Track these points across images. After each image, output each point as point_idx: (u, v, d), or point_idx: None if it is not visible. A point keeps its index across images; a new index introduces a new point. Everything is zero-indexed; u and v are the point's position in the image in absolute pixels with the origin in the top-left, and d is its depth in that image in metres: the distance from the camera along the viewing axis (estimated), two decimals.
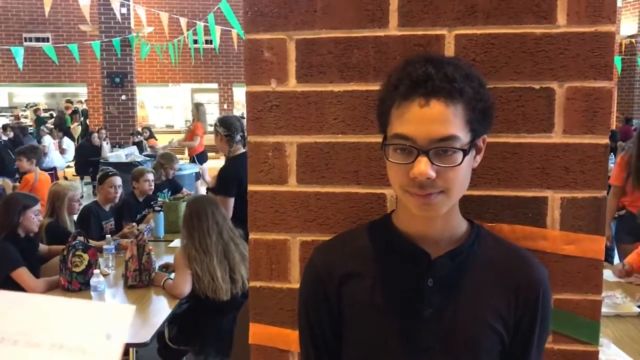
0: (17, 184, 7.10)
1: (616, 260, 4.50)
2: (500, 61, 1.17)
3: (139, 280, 3.52)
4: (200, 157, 9.26)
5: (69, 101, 16.80)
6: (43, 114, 16.73)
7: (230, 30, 10.51)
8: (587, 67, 1.15)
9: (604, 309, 2.07)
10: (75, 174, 11.53)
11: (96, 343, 0.65)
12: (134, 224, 4.80)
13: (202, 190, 8.38)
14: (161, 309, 3.26)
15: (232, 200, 3.98)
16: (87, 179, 11.27)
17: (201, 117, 9.36)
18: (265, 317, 1.30)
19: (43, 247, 4.10)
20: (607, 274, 3.38)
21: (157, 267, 3.73)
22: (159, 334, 3.27)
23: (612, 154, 7.63)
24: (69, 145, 12.77)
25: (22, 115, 17.50)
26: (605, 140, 1.16)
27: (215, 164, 9.01)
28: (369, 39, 1.21)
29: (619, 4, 13.13)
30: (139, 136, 12.14)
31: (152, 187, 5.30)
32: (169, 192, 5.88)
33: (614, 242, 4.56)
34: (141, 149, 11.02)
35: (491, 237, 1.10)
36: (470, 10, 1.17)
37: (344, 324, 1.08)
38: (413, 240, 1.04)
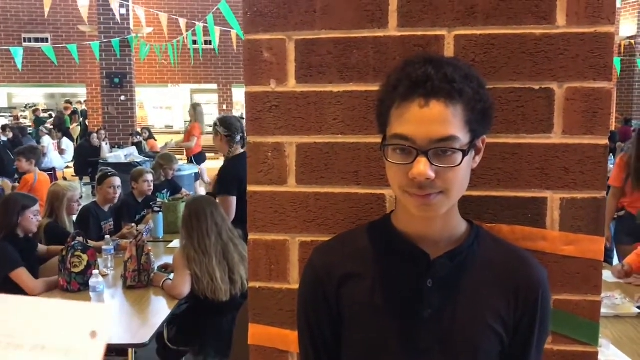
0: (17, 184, 7.10)
1: (615, 261, 4.50)
2: (500, 62, 1.17)
3: (138, 281, 3.52)
4: (198, 158, 9.25)
5: (68, 102, 16.80)
6: (42, 115, 16.72)
7: (230, 31, 10.51)
8: (586, 68, 1.15)
9: (603, 310, 2.07)
10: (74, 174, 11.52)
11: (78, 343, 0.65)
12: (133, 224, 4.80)
13: (201, 191, 8.39)
14: (160, 309, 3.26)
15: (234, 199, 3.98)
16: (86, 179, 11.26)
17: (198, 118, 9.35)
18: (265, 317, 1.29)
19: (42, 247, 4.10)
20: (607, 275, 3.38)
21: (156, 268, 3.73)
22: (158, 335, 3.27)
23: (611, 154, 7.63)
24: (68, 145, 12.76)
25: (21, 115, 17.50)
26: (605, 141, 1.16)
27: (214, 165, 9.01)
28: (369, 39, 1.21)
29: (618, 5, 13.13)
30: (138, 137, 12.14)
31: (151, 187, 5.30)
32: (168, 193, 5.88)
33: (613, 243, 4.57)
34: (140, 150, 11.01)
35: (490, 238, 1.09)
36: (470, 11, 1.17)
37: (344, 325, 1.08)
38: (412, 240, 1.04)
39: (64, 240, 3.65)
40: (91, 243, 3.91)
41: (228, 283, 3.38)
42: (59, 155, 12.04)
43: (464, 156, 0.94)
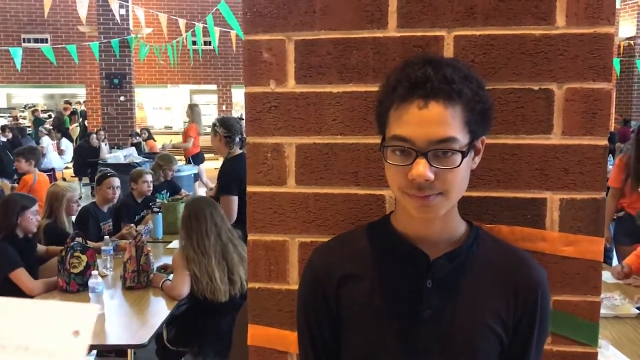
0: (16, 184, 7.10)
1: (615, 261, 4.50)
2: (499, 62, 1.17)
3: (138, 282, 3.51)
4: (196, 158, 9.24)
5: (67, 102, 16.79)
6: (41, 115, 16.72)
7: (229, 32, 10.52)
8: (586, 69, 1.15)
9: (602, 311, 2.07)
10: (73, 175, 11.52)
11: (61, 343, 0.65)
12: (132, 225, 4.80)
13: (200, 192, 8.38)
14: (159, 310, 3.26)
15: (235, 199, 3.98)
16: (86, 180, 11.26)
17: (196, 118, 9.34)
18: (264, 318, 1.29)
19: (41, 247, 4.10)
20: (606, 276, 3.38)
21: (155, 269, 3.72)
22: (158, 335, 3.27)
23: (610, 155, 7.63)
24: (68, 146, 12.76)
25: (20, 116, 17.49)
26: (604, 142, 1.16)
27: (213, 165, 9.01)
28: (368, 40, 1.21)
29: (618, 5, 13.15)
30: (137, 137, 12.14)
31: (151, 188, 5.30)
32: (168, 193, 5.88)
33: (612, 244, 4.57)
34: (140, 150, 11.01)
35: (490, 239, 1.09)
36: (470, 12, 1.17)
37: (343, 326, 1.08)
38: (412, 241, 1.04)
39: (63, 241, 3.65)
40: (90, 244, 3.91)
41: (227, 284, 3.38)
42: (58, 155, 12.04)
43: (463, 157, 0.94)
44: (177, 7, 16.42)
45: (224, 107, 17.64)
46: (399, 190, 0.98)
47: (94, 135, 11.54)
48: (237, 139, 4.18)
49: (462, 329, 1.02)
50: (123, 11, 11.91)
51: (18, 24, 16.28)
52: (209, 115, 15.01)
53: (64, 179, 10.33)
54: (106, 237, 4.25)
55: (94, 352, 3.67)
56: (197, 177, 8.90)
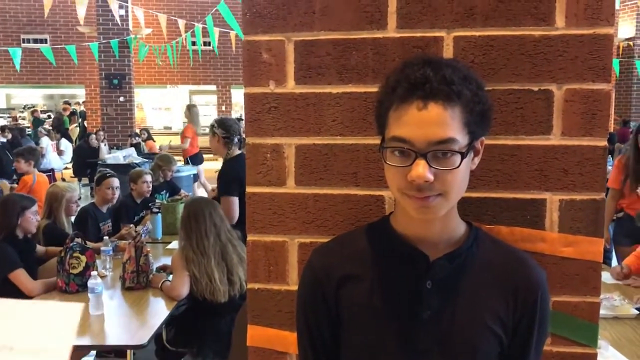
0: (15, 185, 7.10)
1: (614, 262, 4.51)
2: (499, 63, 1.17)
3: (137, 282, 3.51)
4: (194, 159, 9.22)
5: (66, 102, 16.78)
6: (41, 116, 16.71)
7: (229, 32, 10.52)
8: (585, 70, 1.15)
9: (602, 311, 2.07)
10: (72, 175, 11.51)
11: (46, 343, 0.65)
12: (131, 225, 4.80)
13: (200, 192, 8.38)
14: (159, 310, 3.26)
15: (236, 199, 3.97)
16: (85, 180, 11.25)
17: (194, 119, 9.32)
18: (263, 319, 1.29)
19: (40, 248, 4.10)
20: (605, 276, 3.38)
21: (154, 269, 3.72)
22: (157, 336, 3.26)
23: (609, 156, 7.64)
24: (67, 146, 12.75)
25: (20, 116, 17.48)
26: (604, 143, 1.16)
27: (213, 166, 9.00)
28: (368, 40, 1.21)
29: (617, 6, 13.16)
30: (137, 138, 12.13)
31: (150, 188, 5.30)
32: (167, 194, 5.88)
33: (612, 245, 4.57)
34: (139, 151, 11.01)
35: (489, 239, 1.09)
36: (469, 12, 1.17)
37: (342, 326, 1.08)
38: (411, 242, 1.04)
39: (63, 242, 3.65)
40: (90, 244, 3.91)
41: (227, 284, 3.38)
42: (57, 156, 12.03)
43: (462, 158, 0.94)
44: (177, 7, 16.43)
45: (223, 108, 17.64)
46: (398, 191, 0.98)
47: (94, 136, 11.53)
48: (236, 140, 4.18)
49: (461, 329, 1.02)
50: (122, 12, 11.90)
51: (17, 25, 16.28)
52: (209, 115, 15.01)
53: (63, 180, 10.34)
54: (105, 237, 4.25)
55: (94, 352, 3.68)
56: (196, 177, 8.89)
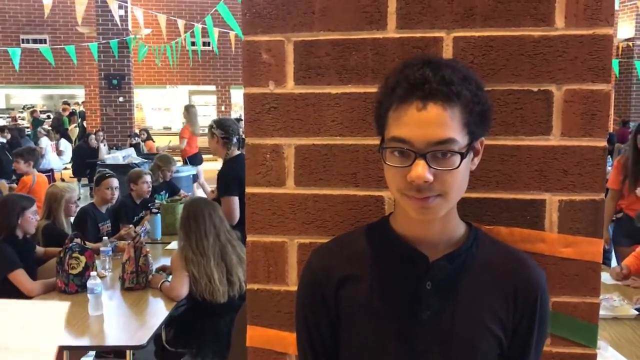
0: (14, 185, 7.09)
1: (614, 263, 4.51)
2: (499, 64, 1.17)
3: (136, 283, 3.51)
4: (193, 159, 9.20)
5: (65, 103, 16.78)
6: (40, 116, 16.71)
7: (228, 32, 10.51)
8: (585, 70, 1.15)
9: (601, 312, 2.07)
10: (72, 175, 11.51)
11: (32, 342, 0.65)
12: (130, 226, 4.79)
13: (199, 193, 8.37)
14: (158, 311, 3.26)
15: (236, 200, 3.97)
16: (84, 180, 11.25)
17: (192, 119, 9.29)
18: (263, 319, 1.29)
19: (40, 249, 4.10)
20: (605, 277, 3.39)
21: (154, 269, 3.72)
22: (156, 337, 3.26)
23: (609, 157, 7.64)
24: (66, 147, 12.75)
25: (19, 116, 17.48)
26: (604, 143, 1.16)
27: (213, 166, 8.99)
28: (367, 41, 1.21)
29: (616, 7, 13.15)
30: (136, 138, 12.13)
31: (150, 189, 5.30)
32: (166, 194, 5.88)
33: (611, 245, 4.57)
34: (138, 151, 11.00)
35: (489, 240, 1.09)
36: (469, 13, 1.17)
37: (342, 327, 1.08)
38: (411, 243, 1.04)
39: (62, 242, 3.65)
40: (89, 244, 3.91)
41: (226, 285, 3.38)
42: (57, 156, 12.03)
43: (462, 159, 0.94)
44: (176, 7, 16.43)
45: (222, 108, 17.65)
46: (398, 191, 0.97)
47: (93, 136, 11.53)
48: (235, 140, 4.18)
49: (461, 330, 1.02)
50: (122, 12, 11.89)
51: (17, 25, 16.28)
52: (208, 116, 15.01)
53: (63, 180, 10.34)
54: (105, 238, 4.25)
55: (93, 352, 3.68)
56: (195, 178, 8.88)
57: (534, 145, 1.17)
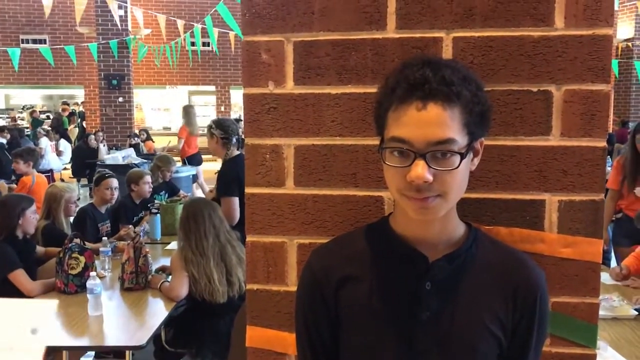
0: (13, 185, 7.09)
1: (613, 263, 4.52)
2: (498, 64, 1.17)
3: (136, 283, 3.51)
4: (192, 160, 9.18)
5: (65, 103, 16.78)
6: (40, 116, 16.71)
7: (228, 33, 10.51)
8: (584, 70, 1.15)
9: (601, 312, 2.07)
10: (71, 176, 11.51)
11: (21, 338, 0.65)
12: (130, 226, 4.79)
13: (198, 193, 8.37)
14: (158, 311, 3.26)
15: (236, 200, 3.97)
16: (84, 181, 11.25)
17: (190, 120, 9.28)
18: (263, 319, 1.29)
19: (40, 249, 4.10)
20: (604, 277, 3.39)
21: (153, 270, 3.72)
22: (156, 337, 3.26)
23: (608, 157, 7.64)
24: (66, 147, 12.75)
25: (18, 117, 17.48)
26: (603, 143, 1.16)
27: (212, 167, 8.98)
28: (367, 41, 1.21)
29: (616, 7, 13.13)
30: (136, 138, 12.13)
31: (151, 189, 5.30)
32: (166, 195, 5.87)
33: (610, 245, 4.58)
34: (138, 151, 11.00)
35: (488, 240, 1.09)
36: (468, 13, 1.17)
37: (342, 327, 1.08)
38: (411, 243, 1.04)
39: (61, 242, 3.64)
40: (88, 245, 3.91)
41: (225, 285, 3.38)
42: (56, 156, 12.03)
43: (462, 159, 0.94)
44: (176, 8, 16.43)
45: (222, 109, 17.65)
46: (397, 192, 0.97)
47: (93, 136, 11.53)
48: (234, 140, 4.18)
49: (460, 330, 1.02)
50: (122, 12, 11.89)
51: (16, 25, 16.28)
52: (208, 116, 15.00)
53: (62, 180, 10.34)
54: (104, 238, 4.25)
55: (92, 353, 3.68)
56: (195, 178, 8.88)
57: (533, 145, 1.17)
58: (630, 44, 14.52)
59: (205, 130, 4.37)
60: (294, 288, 1.23)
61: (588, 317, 1.19)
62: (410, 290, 1.03)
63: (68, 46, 10.86)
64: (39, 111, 17.52)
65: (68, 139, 13.93)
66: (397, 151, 0.95)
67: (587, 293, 1.19)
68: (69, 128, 15.41)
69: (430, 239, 1.03)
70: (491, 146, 1.16)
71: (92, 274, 3.28)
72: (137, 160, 9.42)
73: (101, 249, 3.94)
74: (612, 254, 4.67)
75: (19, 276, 3.46)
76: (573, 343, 1.19)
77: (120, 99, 12.74)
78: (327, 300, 1.07)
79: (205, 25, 9.26)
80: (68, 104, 16.82)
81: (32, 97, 19.34)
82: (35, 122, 15.59)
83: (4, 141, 11.51)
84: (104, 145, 11.27)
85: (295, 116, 1.25)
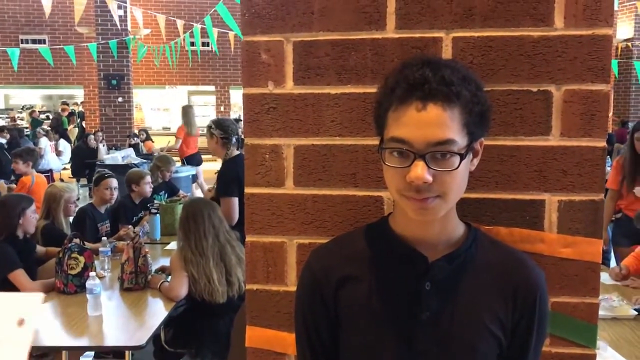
0: (13, 185, 7.09)
1: (613, 263, 4.52)
2: (498, 64, 1.17)
3: (135, 283, 3.51)
4: (191, 160, 9.17)
5: (64, 103, 16.77)
6: (40, 116, 16.71)
7: (227, 33, 10.51)
8: (584, 70, 1.15)
9: (600, 312, 2.07)
10: (71, 176, 11.51)
11: (7, 332, 0.65)
12: (129, 226, 4.79)
13: (198, 193, 8.37)
14: (157, 311, 3.25)
15: (236, 200, 3.97)
16: (83, 181, 11.25)
17: (188, 120, 9.27)
18: (262, 320, 1.29)
19: (40, 248, 4.10)
20: (604, 277, 3.39)
21: (153, 270, 3.72)
22: (155, 337, 3.26)
23: (608, 157, 7.64)
24: (65, 147, 12.75)
25: (18, 117, 17.48)
26: (603, 143, 1.16)
27: (212, 167, 8.97)
28: (367, 41, 1.21)
29: (615, 7, 13.13)
30: (135, 138, 12.13)
31: (152, 189, 5.30)
32: (166, 195, 5.87)
33: (610, 245, 4.58)
34: (138, 151, 10.99)
35: (488, 240, 1.09)
36: (468, 13, 1.17)
37: (341, 327, 1.08)
38: (410, 243, 1.04)
39: (61, 242, 3.64)
40: (88, 245, 3.91)
41: (225, 285, 3.38)
42: (56, 156, 12.02)
43: (461, 159, 0.94)
44: (175, 8, 16.43)
45: (222, 109, 17.65)
46: (397, 192, 0.97)
47: (92, 136, 11.53)
48: (234, 140, 4.17)
49: (460, 330, 1.02)
50: (121, 12, 11.88)
51: (16, 25, 16.27)
52: (207, 116, 15.00)
53: (62, 180, 10.33)
54: (104, 238, 4.24)
55: (92, 353, 3.67)
56: (195, 178, 8.87)
57: (533, 145, 1.17)
58: (629, 44, 14.52)
59: (205, 130, 4.36)
60: (293, 288, 1.23)
61: (588, 317, 1.19)
62: (410, 291, 1.03)
63: (67, 46, 10.86)
64: (39, 111, 17.51)
65: (67, 139, 13.93)
66: (396, 152, 0.95)
67: (586, 293, 1.19)
68: (68, 128, 15.40)
69: (429, 239, 1.03)
70: (491, 146, 1.16)
71: (92, 274, 3.28)
72: (137, 160, 9.42)
73: (101, 249, 3.94)
74: (612, 254, 4.67)
75: (19, 276, 3.46)
76: (573, 343, 1.19)
77: (120, 99, 12.74)
78: (327, 301, 1.07)
79: (204, 25, 9.26)
80: (67, 104, 16.81)
81: (32, 97, 19.34)
82: (35, 122, 15.59)
83: (4, 141, 11.51)
84: (103, 145, 11.26)
85: (295, 116, 1.25)
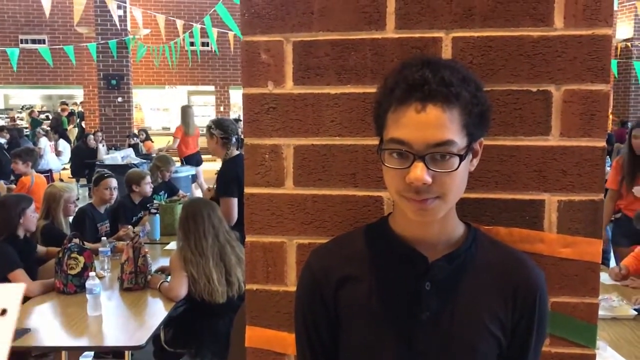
0: (12, 185, 7.09)
1: (612, 263, 4.52)
2: (498, 64, 1.17)
3: (135, 283, 3.51)
4: (190, 160, 9.17)
5: (64, 103, 16.77)
6: (39, 116, 16.70)
7: (227, 33, 10.51)
8: (584, 70, 1.15)
9: (600, 312, 2.07)
10: (70, 176, 11.50)
11: None
12: (129, 226, 4.79)
13: (197, 193, 8.36)
14: (157, 311, 3.25)
15: (235, 201, 3.97)
16: (83, 181, 11.24)
17: (187, 120, 9.26)
18: (262, 320, 1.29)
19: (41, 248, 4.10)
20: (604, 277, 3.39)
21: (152, 270, 3.72)
22: (155, 337, 3.26)
23: (608, 157, 7.65)
24: (65, 147, 12.75)
25: (18, 117, 17.47)
26: (602, 143, 1.16)
27: (212, 167, 8.97)
28: (366, 41, 1.21)
29: (615, 7, 13.11)
30: (135, 138, 12.12)
31: (152, 189, 5.30)
32: (165, 195, 5.87)
33: (609, 245, 4.58)
34: (137, 151, 10.99)
35: (488, 240, 1.09)
36: (468, 13, 1.17)
37: (341, 327, 1.08)
38: (410, 243, 1.04)
39: (61, 242, 3.64)
40: (87, 245, 3.91)
41: (225, 285, 3.38)
42: (55, 156, 12.02)
43: (461, 160, 0.94)
44: (175, 8, 16.42)
45: (221, 109, 17.64)
46: (396, 193, 0.97)
47: (92, 136, 11.52)
48: (234, 140, 4.17)
49: (460, 330, 1.02)
50: (121, 12, 11.87)
51: (15, 25, 16.27)
52: (207, 116, 15.00)
53: (61, 180, 10.33)
54: (103, 238, 4.24)
55: (91, 353, 3.67)
56: (194, 178, 8.87)
57: (533, 145, 1.17)
58: (629, 44, 14.52)
59: (205, 130, 4.36)
60: (293, 288, 1.23)
61: (587, 317, 1.19)
62: (410, 291, 1.03)
63: (67, 46, 10.86)
64: (38, 111, 17.50)
65: (67, 139, 13.92)
66: (396, 153, 0.95)
67: (586, 293, 1.19)
68: (68, 128, 15.39)
69: (429, 239, 1.03)
70: (491, 146, 1.16)
71: (91, 274, 3.28)
72: (136, 160, 9.42)
73: (100, 249, 3.94)
74: (612, 254, 4.67)
75: (19, 276, 3.46)
76: (572, 343, 1.19)
77: (120, 99, 12.73)
78: (327, 301, 1.07)
79: (204, 25, 9.27)
80: (67, 104, 16.80)
81: (31, 97, 19.33)
82: (34, 122, 15.58)
83: (3, 141, 11.50)
84: (103, 146, 11.26)
85: (295, 116, 1.25)
